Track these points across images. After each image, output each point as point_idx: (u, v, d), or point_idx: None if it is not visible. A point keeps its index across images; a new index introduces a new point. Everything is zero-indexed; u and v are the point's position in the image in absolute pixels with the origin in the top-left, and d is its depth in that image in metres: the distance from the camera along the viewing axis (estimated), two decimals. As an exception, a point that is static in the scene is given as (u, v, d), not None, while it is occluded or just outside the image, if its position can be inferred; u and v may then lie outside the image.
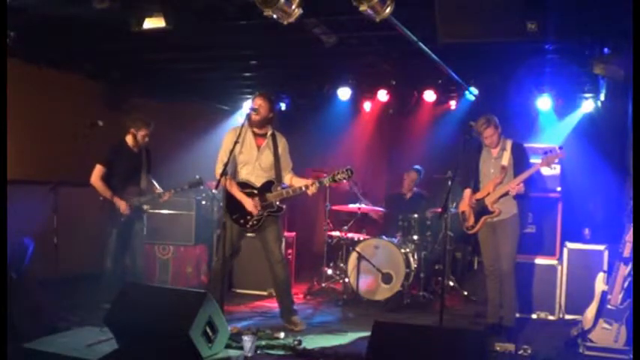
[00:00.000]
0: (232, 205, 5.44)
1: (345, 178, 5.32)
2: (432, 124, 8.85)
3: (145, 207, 6.21)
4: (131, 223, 6.10)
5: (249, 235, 5.76)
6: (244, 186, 5.51)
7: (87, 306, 5.74)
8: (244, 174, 5.52)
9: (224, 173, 5.15)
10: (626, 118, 6.47)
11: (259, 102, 5.42)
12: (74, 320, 5.37)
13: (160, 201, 6.30)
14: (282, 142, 5.61)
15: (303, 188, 5.35)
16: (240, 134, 5.27)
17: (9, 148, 5.15)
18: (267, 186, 5.48)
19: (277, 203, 5.49)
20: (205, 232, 7.65)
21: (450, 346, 3.98)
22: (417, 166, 7.89)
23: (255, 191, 5.48)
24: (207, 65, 7.71)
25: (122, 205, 5.97)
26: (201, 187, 6.76)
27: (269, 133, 5.55)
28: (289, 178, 5.56)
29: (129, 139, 6.10)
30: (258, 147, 5.51)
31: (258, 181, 5.49)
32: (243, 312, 6.31)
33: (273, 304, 6.29)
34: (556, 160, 5.47)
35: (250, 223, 5.47)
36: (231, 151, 5.24)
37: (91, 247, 6.45)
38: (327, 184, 5.42)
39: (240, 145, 5.35)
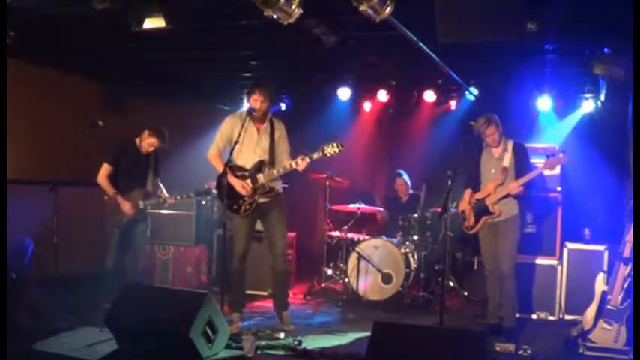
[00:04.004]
0: (225, 192, 5.32)
1: (335, 152, 5.17)
2: (432, 124, 8.83)
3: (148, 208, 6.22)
4: (134, 224, 6.10)
5: (257, 230, 5.76)
6: (238, 169, 5.50)
7: (87, 306, 5.74)
8: (242, 159, 5.51)
9: (226, 165, 5.17)
10: (626, 118, 6.46)
11: (261, 98, 5.40)
12: (74, 320, 5.37)
13: (164, 205, 6.32)
14: (279, 127, 5.59)
15: (293, 165, 5.28)
16: (240, 134, 5.30)
17: (9, 148, 5.15)
18: (258, 167, 5.46)
19: (270, 185, 5.44)
20: (205, 232, 7.65)
21: (450, 346, 3.98)
22: (399, 171, 7.93)
23: (246, 174, 5.47)
24: (207, 65, 7.71)
25: (126, 206, 5.96)
26: (208, 197, 6.75)
27: (267, 117, 5.56)
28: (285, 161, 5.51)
29: (139, 140, 6.09)
30: (258, 130, 5.52)
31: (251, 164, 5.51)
32: (243, 312, 6.29)
33: (273, 304, 6.29)
34: (558, 165, 5.47)
35: (243, 208, 5.45)
36: (232, 151, 5.27)
37: (91, 247, 6.46)
38: (317, 158, 5.25)
39: (241, 137, 5.34)
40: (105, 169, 5.99)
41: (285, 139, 5.61)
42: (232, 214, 5.50)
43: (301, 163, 5.27)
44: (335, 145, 5.16)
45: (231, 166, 5.45)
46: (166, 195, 6.21)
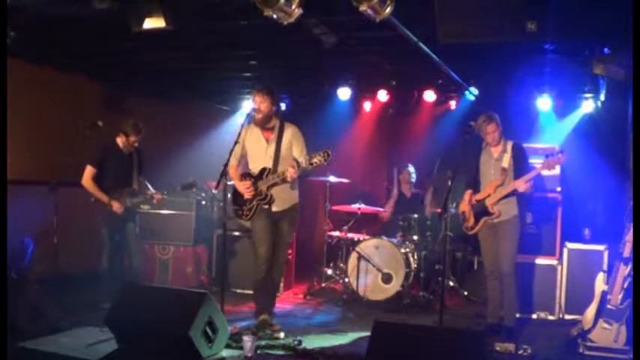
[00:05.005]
0: (233, 198, 5.53)
1: (321, 161, 5.11)
2: (432, 124, 8.84)
3: (144, 206, 6.24)
4: (124, 223, 6.13)
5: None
6: (247, 176, 5.53)
7: (87, 306, 5.75)
8: (253, 164, 5.53)
9: (225, 166, 5.19)
10: (626, 118, 6.46)
11: (259, 99, 5.40)
12: (74, 320, 5.38)
13: (153, 202, 6.36)
14: (289, 131, 5.49)
15: (287, 174, 5.24)
16: (240, 134, 5.31)
17: (9, 148, 5.15)
18: (260, 174, 5.45)
19: (267, 191, 5.41)
20: (205, 232, 7.66)
21: (450, 346, 3.98)
22: (409, 165, 7.92)
23: (253, 179, 5.49)
24: (208, 65, 7.70)
25: (114, 206, 6.00)
26: (194, 190, 6.79)
27: (276, 125, 5.50)
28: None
29: (119, 140, 6.12)
30: (267, 140, 5.47)
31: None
32: (243, 312, 6.30)
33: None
34: (556, 165, 5.46)
35: (245, 213, 5.49)
36: (231, 152, 5.28)
37: (90, 247, 6.45)
38: (306, 166, 5.17)
39: (247, 143, 5.41)
40: (89, 172, 6.02)
41: (299, 142, 5.49)
42: (237, 219, 5.59)
43: (287, 172, 5.21)
44: (322, 153, 5.11)
45: (242, 174, 5.52)
46: (153, 191, 6.25)
